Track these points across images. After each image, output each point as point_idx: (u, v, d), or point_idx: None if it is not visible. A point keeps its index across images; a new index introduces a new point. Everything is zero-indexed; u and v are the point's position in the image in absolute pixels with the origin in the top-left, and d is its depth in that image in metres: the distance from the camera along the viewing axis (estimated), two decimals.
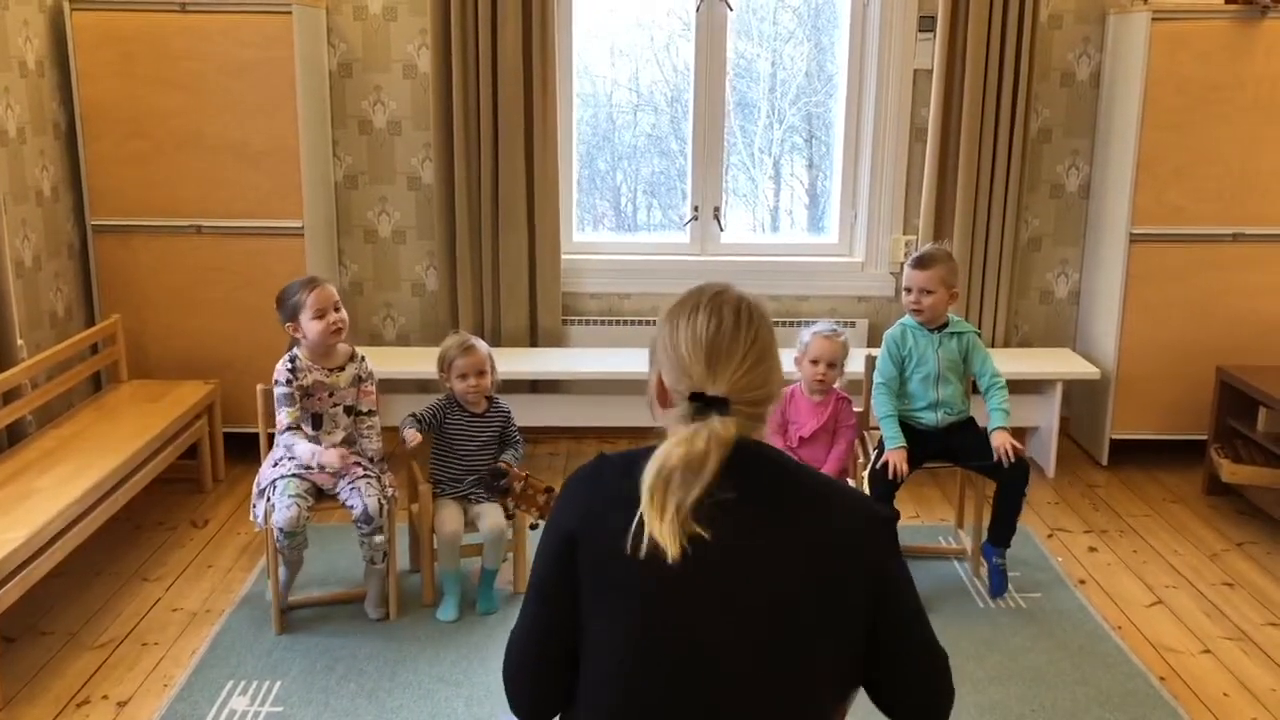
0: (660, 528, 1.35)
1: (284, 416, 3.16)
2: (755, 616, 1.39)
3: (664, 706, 1.40)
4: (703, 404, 1.42)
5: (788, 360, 3.41)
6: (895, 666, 1.48)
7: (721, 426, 1.39)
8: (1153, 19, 4.12)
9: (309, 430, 3.22)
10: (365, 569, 3.27)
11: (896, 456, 3.30)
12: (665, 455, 1.38)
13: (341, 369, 3.25)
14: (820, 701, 1.45)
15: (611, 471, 1.46)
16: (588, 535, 1.41)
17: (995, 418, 3.35)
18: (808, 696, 1.43)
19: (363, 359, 3.31)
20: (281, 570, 3.20)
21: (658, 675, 1.39)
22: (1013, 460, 3.27)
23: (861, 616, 1.43)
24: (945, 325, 3.42)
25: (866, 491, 3.36)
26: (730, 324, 1.45)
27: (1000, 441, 3.30)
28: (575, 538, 1.41)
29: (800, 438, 3.41)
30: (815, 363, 3.38)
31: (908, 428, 3.39)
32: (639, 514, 1.37)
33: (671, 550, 1.34)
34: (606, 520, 1.39)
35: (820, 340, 3.39)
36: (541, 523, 3.16)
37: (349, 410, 3.27)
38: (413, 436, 3.25)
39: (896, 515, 1.52)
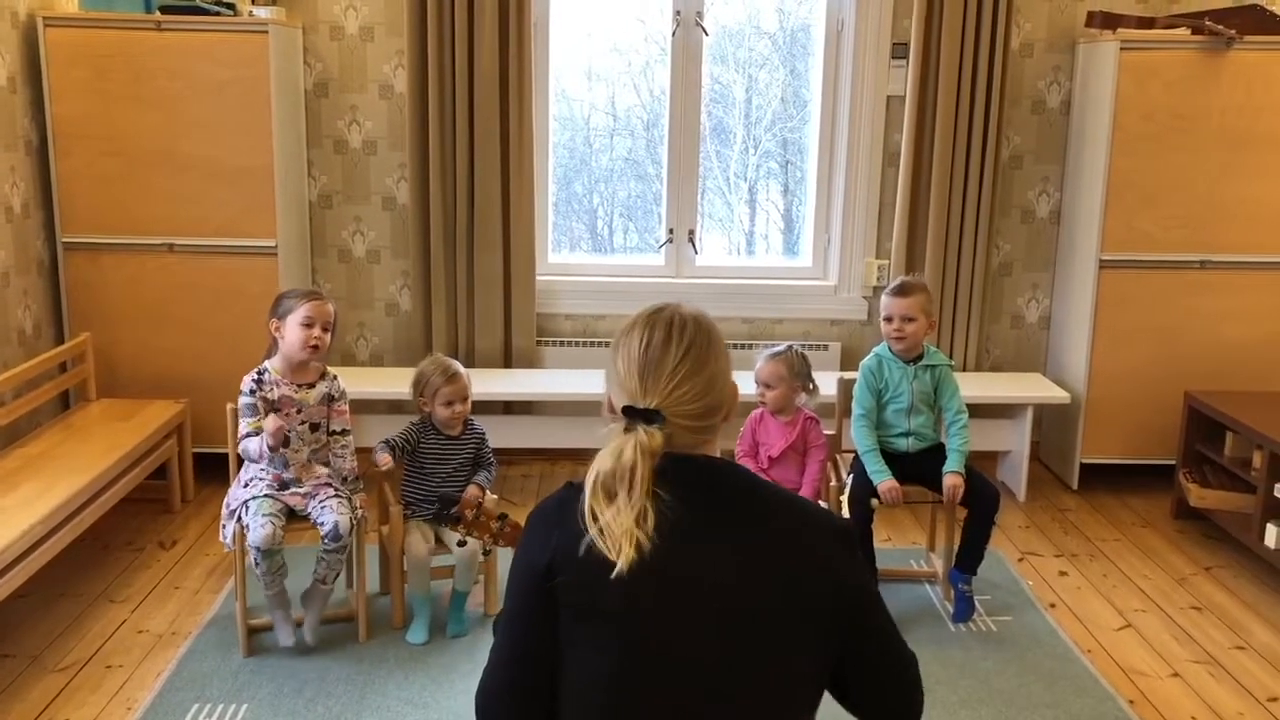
0: (608, 540, 1.37)
1: (244, 426, 3.14)
2: (734, 632, 1.40)
3: None
4: (633, 417, 1.45)
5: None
6: (871, 674, 1.51)
7: (647, 436, 1.42)
8: (1121, 49, 4.18)
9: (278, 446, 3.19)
10: (311, 588, 3.19)
11: (888, 487, 3.32)
12: (597, 467, 1.42)
13: (311, 386, 3.23)
14: (798, 712, 1.47)
15: (580, 498, 1.46)
16: (568, 564, 1.41)
17: (951, 459, 3.38)
18: (787, 708, 1.45)
19: (334, 378, 3.29)
20: (268, 594, 3.13)
21: (643, 694, 1.39)
22: (963, 504, 3.34)
23: (832, 626, 1.45)
24: (920, 357, 3.44)
25: (846, 516, 3.37)
26: (660, 339, 1.49)
27: (952, 484, 3.33)
28: (552, 568, 1.41)
29: (769, 458, 3.42)
30: (757, 384, 3.42)
31: (880, 451, 3.40)
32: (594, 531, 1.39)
33: (623, 562, 1.36)
34: (589, 549, 1.39)
35: (761, 362, 3.43)
36: (494, 548, 3.14)
37: (315, 428, 3.25)
38: (384, 460, 3.24)
39: (851, 526, 1.55)
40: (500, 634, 1.49)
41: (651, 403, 1.46)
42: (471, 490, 3.32)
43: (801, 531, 1.46)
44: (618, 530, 1.37)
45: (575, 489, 1.47)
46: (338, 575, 3.19)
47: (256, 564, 3.04)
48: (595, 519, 1.39)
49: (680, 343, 1.49)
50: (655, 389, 1.47)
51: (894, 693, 1.54)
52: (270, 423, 3.04)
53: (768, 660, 1.41)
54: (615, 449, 1.42)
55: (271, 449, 3.06)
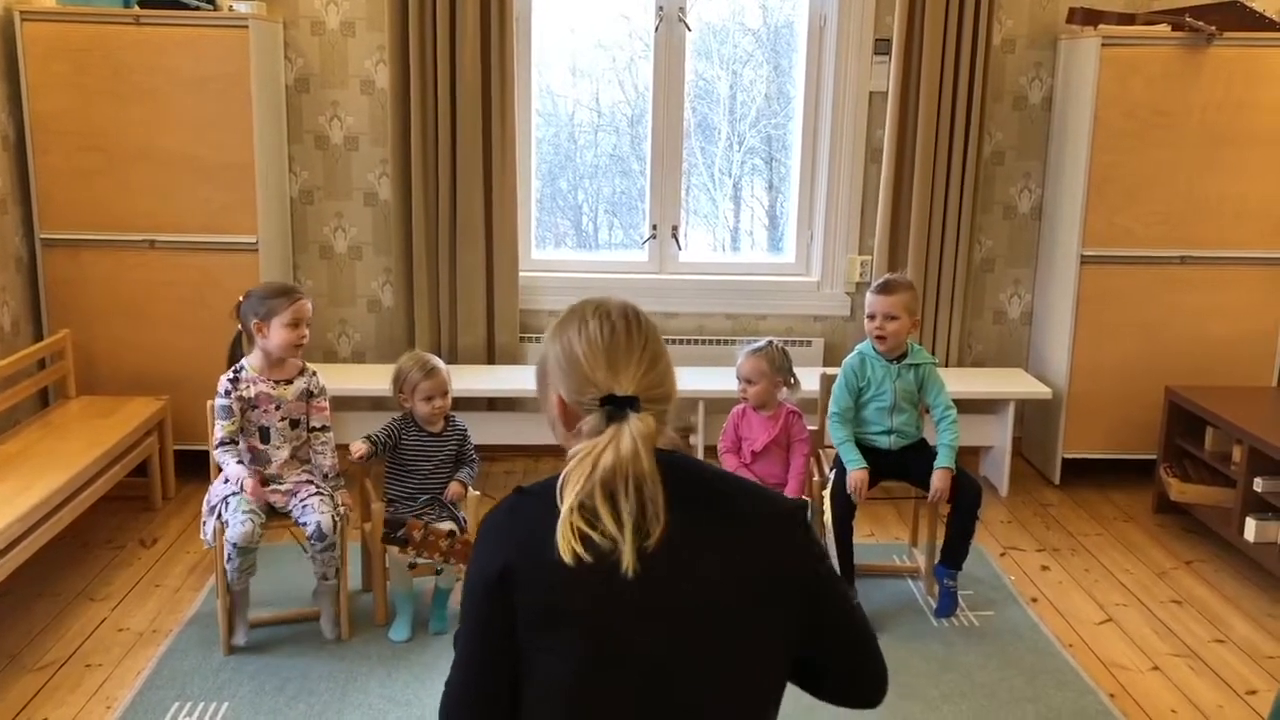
0: (619, 540, 1.34)
1: (219, 430, 3.14)
2: (701, 625, 1.38)
3: None
4: (616, 405, 1.41)
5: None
6: (837, 652, 1.50)
7: (641, 422, 1.39)
8: (1102, 45, 4.20)
9: (258, 444, 3.19)
10: (317, 586, 3.22)
11: (859, 476, 3.32)
12: (594, 462, 1.36)
13: (289, 382, 3.22)
14: (769, 703, 1.46)
15: (535, 503, 1.42)
16: (524, 569, 1.38)
17: (941, 455, 3.37)
18: (759, 695, 1.44)
19: (313, 374, 3.28)
20: (233, 589, 3.13)
21: (608, 696, 1.38)
22: (948, 501, 3.35)
23: (796, 609, 1.44)
24: (904, 356, 3.44)
25: (828, 511, 3.38)
26: (623, 327, 1.47)
27: (939, 483, 3.33)
28: (511, 574, 1.37)
29: (752, 452, 3.43)
30: (739, 380, 3.43)
31: (862, 447, 3.41)
32: (575, 530, 1.35)
33: (627, 560, 1.33)
34: (542, 552, 1.37)
35: (742, 358, 3.44)
36: (445, 567, 3.14)
37: (295, 424, 3.24)
38: (358, 448, 3.24)
39: (806, 504, 1.54)
40: (460, 646, 1.45)
41: (629, 389, 1.43)
42: (451, 490, 3.32)
43: (758, 516, 1.45)
44: (626, 533, 1.34)
45: (526, 495, 1.44)
46: (337, 569, 3.19)
47: (229, 559, 3.03)
48: (591, 525, 1.34)
49: (640, 330, 1.47)
50: (628, 375, 1.44)
51: (861, 667, 1.53)
52: (249, 486, 3.05)
53: (737, 650, 1.39)
54: (609, 442, 1.37)
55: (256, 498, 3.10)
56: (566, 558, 1.33)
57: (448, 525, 3.17)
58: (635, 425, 1.38)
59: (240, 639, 3.16)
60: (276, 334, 3.11)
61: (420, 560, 2.85)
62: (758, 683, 1.44)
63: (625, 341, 1.45)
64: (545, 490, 1.43)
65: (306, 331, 3.17)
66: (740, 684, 1.41)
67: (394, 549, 3.04)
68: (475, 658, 1.43)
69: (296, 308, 3.12)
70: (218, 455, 3.15)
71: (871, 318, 3.41)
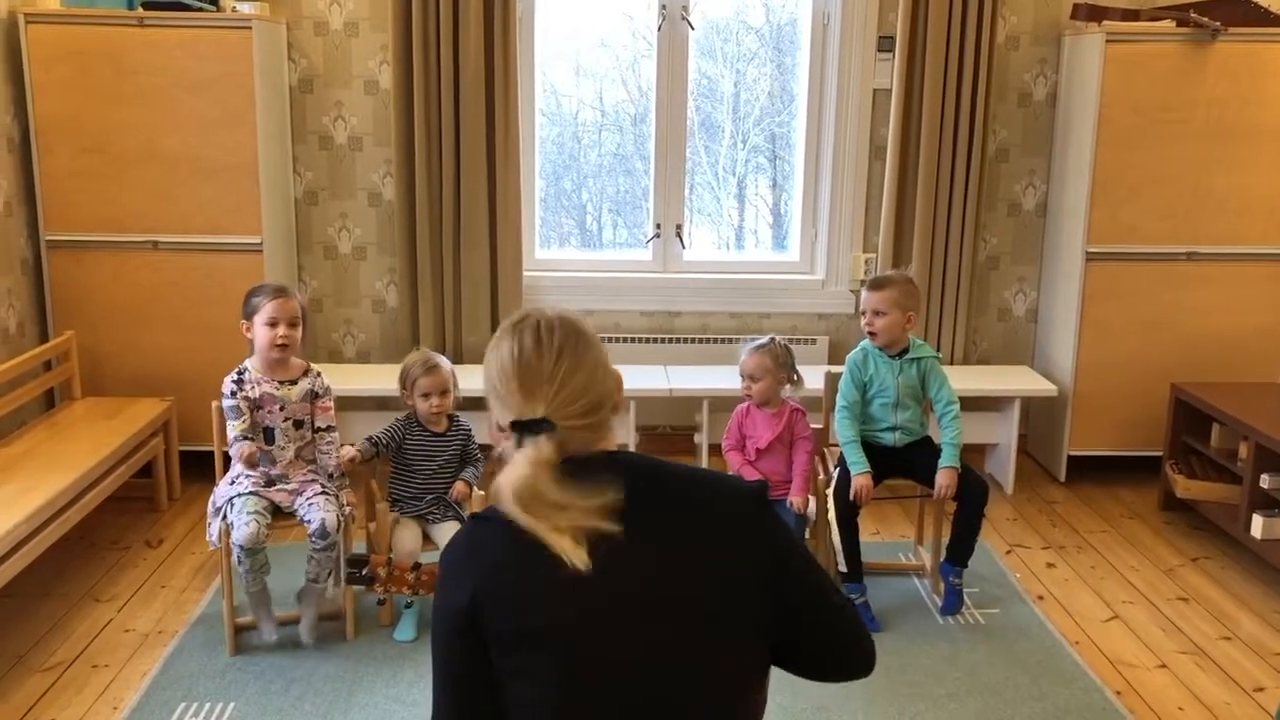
0: (561, 546, 1.34)
1: (231, 430, 3.14)
2: (669, 624, 1.38)
3: None
4: (522, 430, 1.42)
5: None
6: (812, 627, 1.49)
7: (534, 449, 1.39)
8: (1107, 41, 4.19)
9: (263, 444, 3.19)
10: (304, 588, 3.19)
11: (862, 481, 3.31)
12: (506, 488, 1.37)
13: (294, 383, 3.22)
14: (752, 692, 1.46)
15: (492, 528, 1.42)
16: (491, 593, 1.37)
17: (946, 453, 3.36)
18: (743, 686, 1.44)
19: (318, 374, 3.28)
20: (249, 592, 3.12)
21: (594, 708, 1.37)
22: (954, 498, 3.34)
23: (763, 590, 1.43)
24: (906, 351, 3.44)
25: (831, 510, 3.38)
26: (530, 345, 1.45)
27: (945, 481, 3.32)
28: (478, 605, 1.37)
29: (757, 450, 3.42)
30: (742, 377, 3.44)
31: (867, 445, 3.40)
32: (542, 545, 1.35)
33: (579, 562, 1.33)
34: (507, 574, 1.37)
35: (745, 355, 3.44)
36: (416, 599, 3.15)
37: (299, 424, 3.24)
38: (347, 452, 3.25)
39: (765, 485, 1.55)
40: (436, 680, 1.43)
41: (538, 411, 1.42)
42: (456, 490, 3.33)
43: (715, 502, 1.45)
44: (566, 542, 1.34)
45: (482, 521, 1.44)
46: (330, 573, 3.19)
47: (240, 561, 3.04)
48: (544, 530, 1.35)
49: (551, 345, 1.45)
50: (538, 396, 1.43)
51: (839, 640, 1.53)
52: (243, 448, 3.06)
53: (719, 644, 1.39)
54: (511, 468, 1.38)
55: (250, 466, 3.10)
56: (579, 565, 1.33)
57: (411, 546, 3.20)
58: (529, 452, 1.39)
59: (270, 635, 3.16)
60: (258, 333, 3.13)
61: (387, 596, 2.87)
62: (741, 669, 1.43)
63: (535, 362, 1.44)
64: (501, 513, 1.42)
65: (289, 331, 3.14)
66: (725, 675, 1.41)
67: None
68: (456, 694, 1.41)
69: (274, 306, 3.12)
70: (233, 449, 3.15)
71: (864, 314, 3.43)
